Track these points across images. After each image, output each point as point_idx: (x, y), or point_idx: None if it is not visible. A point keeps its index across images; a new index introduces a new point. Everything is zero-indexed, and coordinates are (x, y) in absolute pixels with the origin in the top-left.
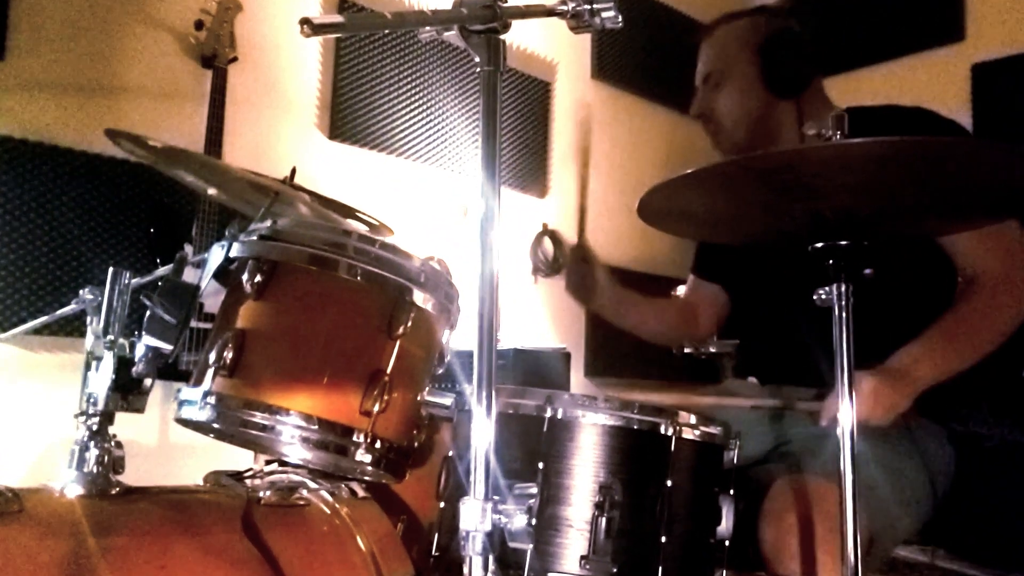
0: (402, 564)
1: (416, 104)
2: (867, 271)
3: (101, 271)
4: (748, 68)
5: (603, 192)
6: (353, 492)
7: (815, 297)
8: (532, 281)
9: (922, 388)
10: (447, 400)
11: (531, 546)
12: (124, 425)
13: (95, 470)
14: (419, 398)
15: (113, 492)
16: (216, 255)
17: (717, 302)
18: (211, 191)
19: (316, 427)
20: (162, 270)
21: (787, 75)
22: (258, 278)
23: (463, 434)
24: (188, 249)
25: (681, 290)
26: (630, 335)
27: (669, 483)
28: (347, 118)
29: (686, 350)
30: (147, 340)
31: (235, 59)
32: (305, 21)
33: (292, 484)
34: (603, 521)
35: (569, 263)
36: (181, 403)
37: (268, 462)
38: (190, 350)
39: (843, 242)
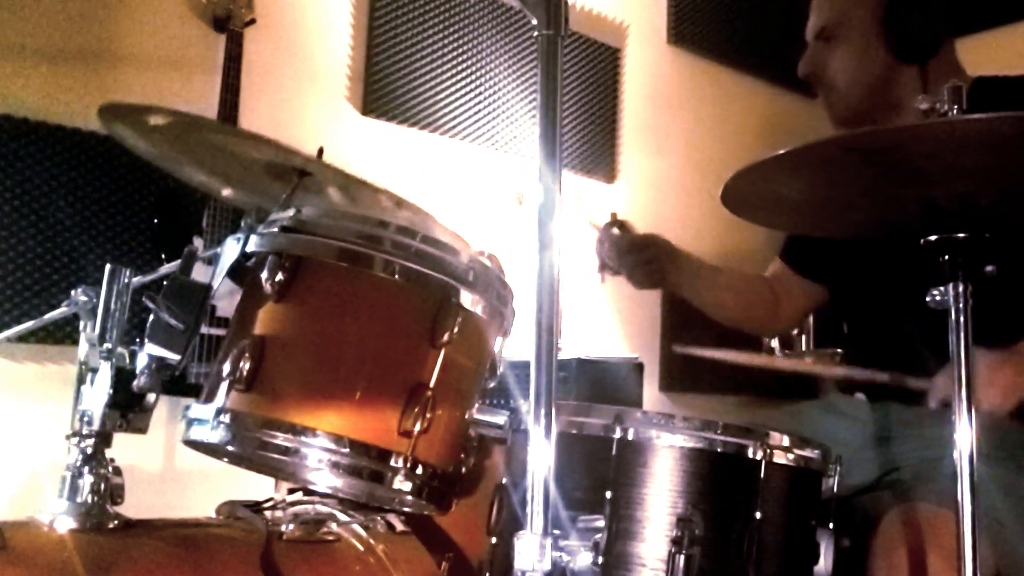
0: None
1: (463, 74)
2: (988, 268)
3: (97, 268)
4: (869, 25)
5: (680, 176)
6: (390, 526)
7: (928, 299)
8: (599, 280)
9: None
10: (499, 419)
11: None
12: (124, 448)
13: (90, 500)
14: (467, 416)
15: (111, 526)
16: (231, 250)
17: (806, 297)
18: (225, 192)
19: (347, 450)
20: (168, 267)
21: (913, 36)
22: (279, 276)
23: (518, 458)
24: (198, 243)
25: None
26: (713, 341)
27: (758, 515)
28: (383, 90)
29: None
30: (150, 349)
31: (252, 21)
32: None
33: (319, 516)
34: (681, 559)
35: (620, 262)
36: (190, 422)
37: (291, 491)
38: (200, 360)
39: (961, 235)
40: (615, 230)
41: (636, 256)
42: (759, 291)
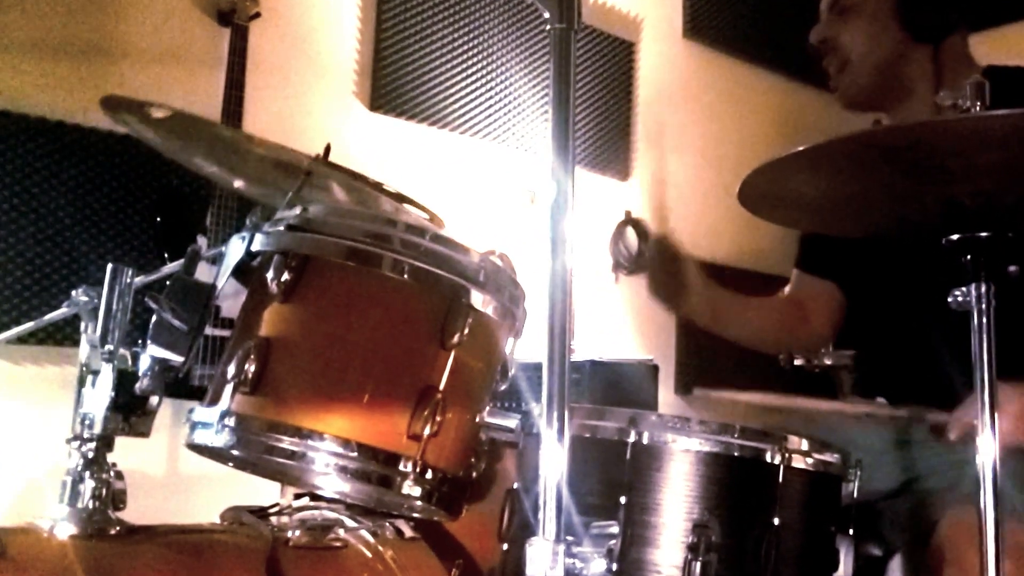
0: None
1: (474, 69)
2: (1012, 268)
3: (98, 268)
4: (884, 0)
5: (696, 174)
6: (399, 532)
7: (950, 300)
8: (612, 280)
9: None
10: (511, 422)
11: None
12: (126, 452)
13: (91, 506)
14: (478, 420)
15: (113, 532)
16: (235, 249)
17: (832, 300)
18: (237, 183)
19: (355, 454)
20: (171, 267)
21: (928, 14)
22: (286, 276)
23: (530, 463)
24: (202, 242)
25: (787, 289)
26: (729, 343)
27: (776, 521)
28: (391, 85)
29: (796, 361)
30: (153, 350)
31: (258, 15)
32: None
33: (326, 522)
34: (697, 566)
35: (651, 260)
36: (194, 425)
37: (297, 496)
38: (204, 362)
39: (983, 234)
40: (629, 229)
41: (665, 268)
42: (786, 309)
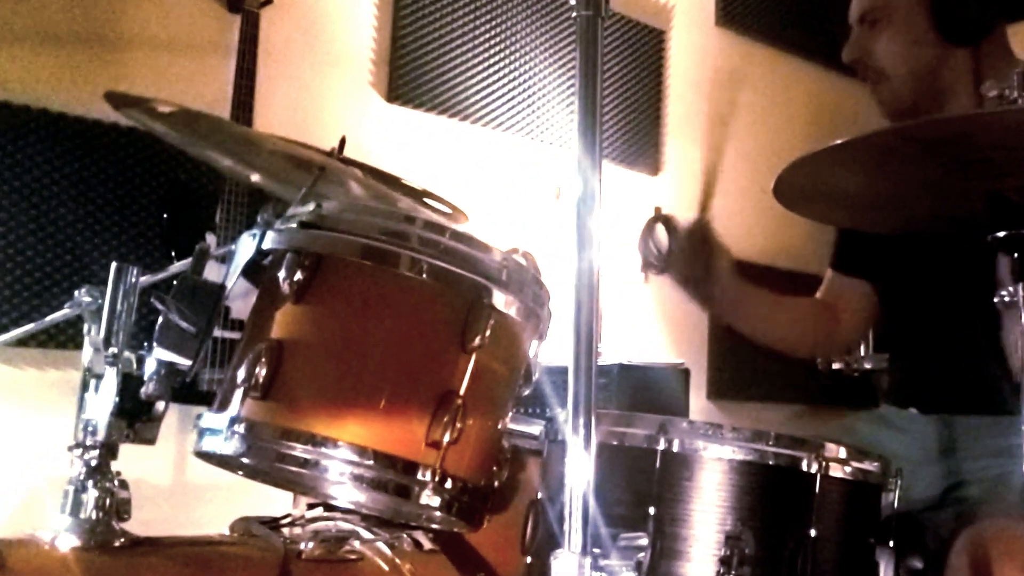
0: None
1: (496, 58)
2: None
3: (102, 267)
4: (915, 6)
5: (730, 168)
6: (417, 544)
7: (996, 300)
8: (642, 279)
9: None
10: (535, 429)
11: None
12: (130, 460)
13: (94, 516)
14: (500, 426)
15: (117, 544)
16: (246, 247)
17: (866, 302)
18: (255, 177)
19: (371, 462)
20: (178, 266)
21: (964, 17)
22: (298, 276)
23: (555, 471)
24: (211, 239)
25: (820, 290)
26: (762, 346)
27: (813, 533)
28: (410, 75)
29: (835, 365)
30: (159, 353)
31: (269, 1)
32: None
33: (341, 534)
34: None
35: (681, 244)
36: (202, 432)
37: (311, 506)
38: (213, 366)
39: None
40: (659, 226)
41: (688, 252)
42: (816, 310)
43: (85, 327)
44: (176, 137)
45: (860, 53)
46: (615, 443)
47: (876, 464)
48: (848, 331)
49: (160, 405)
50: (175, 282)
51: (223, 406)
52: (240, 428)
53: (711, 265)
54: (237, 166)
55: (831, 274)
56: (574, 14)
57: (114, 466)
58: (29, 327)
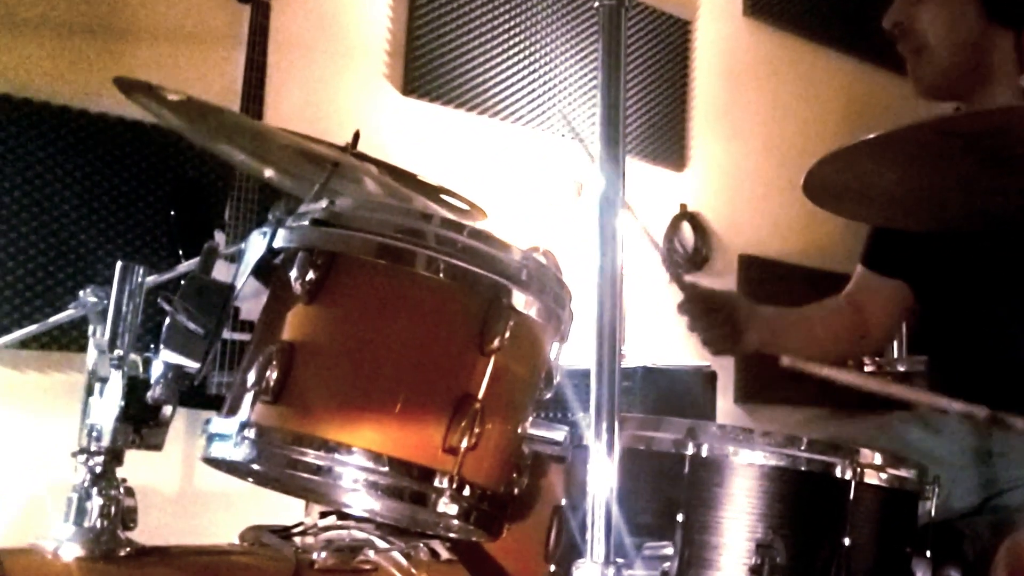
0: None
1: (515, 50)
2: None
3: (107, 266)
4: None
5: (758, 164)
6: (434, 553)
7: None
8: (666, 280)
9: None
10: (556, 434)
11: None
12: (137, 466)
13: (99, 525)
14: (520, 431)
15: (122, 553)
16: (256, 245)
17: (897, 302)
18: (268, 172)
19: (386, 468)
20: (186, 265)
21: None
22: (311, 275)
23: (578, 478)
24: (220, 238)
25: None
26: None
27: (847, 541)
28: (426, 67)
29: (867, 368)
30: (166, 356)
31: None
32: None
33: (355, 543)
34: None
35: (692, 322)
36: (211, 438)
37: (323, 514)
38: (222, 369)
39: None
40: (685, 224)
41: (710, 319)
42: (844, 317)
43: (89, 328)
44: (185, 128)
45: (902, 17)
46: (640, 448)
47: (913, 471)
48: (877, 330)
49: (167, 409)
50: (183, 282)
51: (232, 411)
52: (250, 433)
53: (728, 318)
54: (248, 161)
55: (861, 271)
56: (597, 3)
57: (119, 473)
58: (31, 328)
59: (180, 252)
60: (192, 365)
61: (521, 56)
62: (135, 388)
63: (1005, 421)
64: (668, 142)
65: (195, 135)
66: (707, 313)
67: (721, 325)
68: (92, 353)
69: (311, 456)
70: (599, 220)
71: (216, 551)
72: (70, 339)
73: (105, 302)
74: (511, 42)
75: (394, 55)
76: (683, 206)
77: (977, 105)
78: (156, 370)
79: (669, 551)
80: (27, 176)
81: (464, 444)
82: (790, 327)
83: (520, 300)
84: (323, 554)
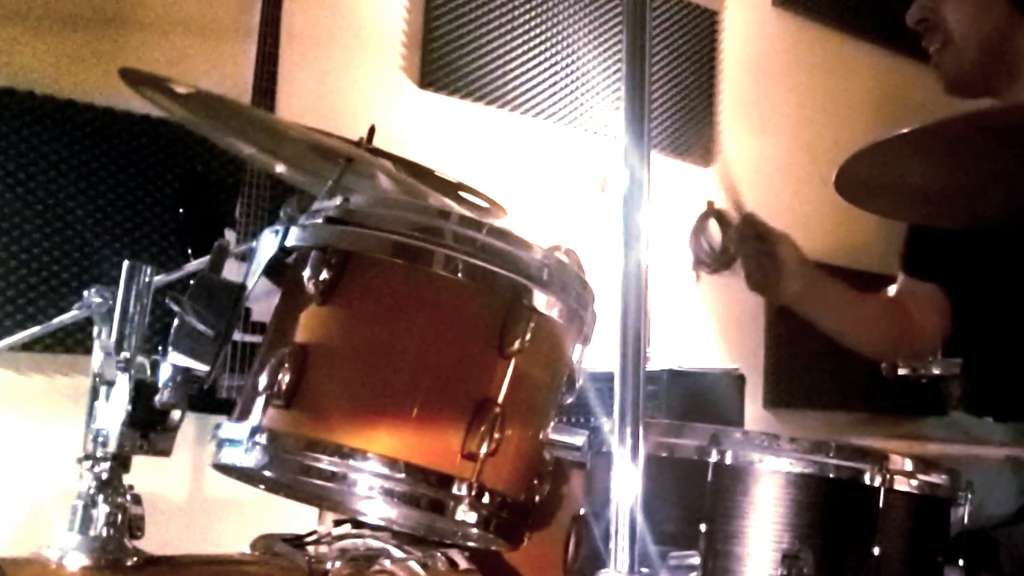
0: None
1: (536, 41)
2: None
3: (113, 266)
4: None
5: (788, 159)
6: (452, 563)
7: None
8: (693, 279)
9: None
10: (578, 439)
11: None
12: (144, 473)
13: (105, 533)
14: (541, 437)
15: (129, 563)
16: (268, 244)
17: (940, 307)
18: (279, 168)
19: (403, 475)
20: (195, 264)
21: None
22: (324, 275)
23: (600, 485)
24: (230, 236)
25: (892, 290)
26: (824, 350)
27: (877, 551)
28: (444, 59)
29: (901, 371)
30: (175, 358)
31: None
32: None
33: (370, 552)
34: None
35: (740, 247)
36: (221, 443)
37: (338, 522)
38: (232, 372)
39: None
40: (712, 221)
41: (758, 246)
42: (889, 311)
43: (95, 330)
44: (194, 122)
45: (926, 13)
46: (664, 455)
47: (945, 477)
48: (924, 334)
49: (176, 414)
50: (192, 282)
51: (243, 415)
52: (262, 439)
53: (775, 258)
54: (259, 156)
55: (903, 278)
56: None
57: (126, 479)
58: (35, 330)
59: (189, 251)
60: (201, 368)
61: (542, 48)
62: (142, 392)
63: None
64: (695, 136)
65: (204, 129)
66: (757, 240)
67: (767, 256)
68: (97, 355)
69: (325, 462)
70: (623, 217)
71: (226, 560)
72: (75, 341)
73: (111, 303)
74: (532, 33)
75: (411, 46)
76: (710, 203)
77: (1005, 101)
78: (164, 373)
79: (694, 561)
80: (30, 172)
81: (484, 450)
82: (834, 294)
83: (541, 301)
84: (337, 564)
